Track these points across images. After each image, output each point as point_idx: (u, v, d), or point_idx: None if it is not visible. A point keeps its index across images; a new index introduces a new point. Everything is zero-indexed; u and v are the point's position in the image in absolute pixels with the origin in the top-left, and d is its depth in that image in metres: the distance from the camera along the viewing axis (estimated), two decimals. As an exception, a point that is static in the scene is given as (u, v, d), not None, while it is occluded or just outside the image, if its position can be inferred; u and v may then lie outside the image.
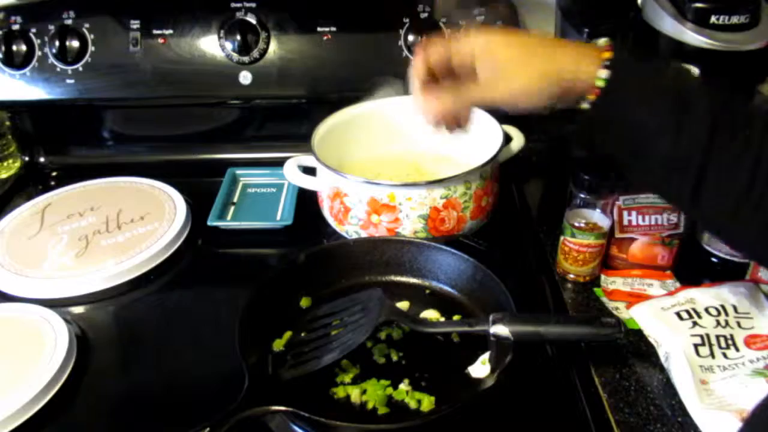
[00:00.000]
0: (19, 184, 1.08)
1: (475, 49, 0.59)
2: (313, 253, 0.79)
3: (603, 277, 0.78)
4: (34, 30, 1.00)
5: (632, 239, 0.76)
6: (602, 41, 0.56)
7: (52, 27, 0.99)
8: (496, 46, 0.58)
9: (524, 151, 0.91)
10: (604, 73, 0.53)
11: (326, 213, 0.88)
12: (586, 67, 0.54)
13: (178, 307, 0.83)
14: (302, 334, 0.71)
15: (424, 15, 0.99)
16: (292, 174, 0.88)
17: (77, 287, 0.82)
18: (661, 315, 0.68)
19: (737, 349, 0.64)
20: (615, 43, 0.55)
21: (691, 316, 0.67)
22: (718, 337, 0.65)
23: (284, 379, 0.65)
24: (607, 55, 0.54)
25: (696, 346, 0.64)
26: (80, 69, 1.00)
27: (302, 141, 0.90)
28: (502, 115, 0.92)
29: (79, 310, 0.80)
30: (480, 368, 0.68)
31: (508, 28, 0.63)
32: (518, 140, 0.90)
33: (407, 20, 0.99)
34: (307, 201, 0.93)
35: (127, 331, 0.79)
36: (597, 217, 0.74)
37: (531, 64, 0.56)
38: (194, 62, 1.00)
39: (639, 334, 0.69)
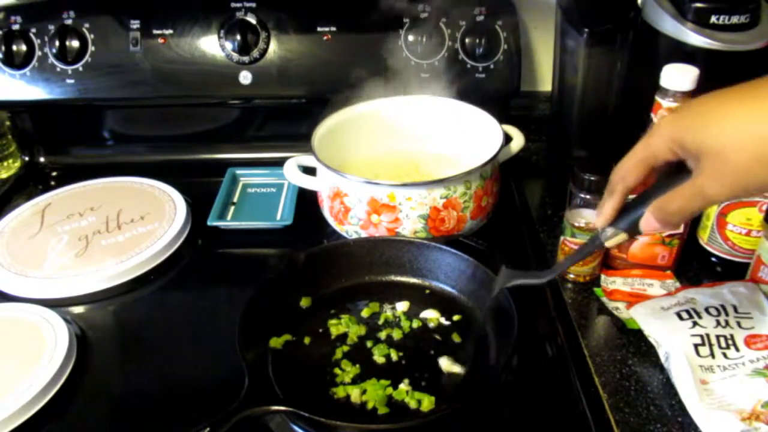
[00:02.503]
0: (19, 184, 1.08)
1: (678, 149, 0.48)
2: (313, 253, 0.79)
3: (603, 277, 0.78)
4: (34, 30, 1.00)
5: (632, 239, 0.76)
6: None
7: (52, 27, 0.99)
8: (703, 134, 0.46)
9: (524, 151, 0.91)
10: None
11: (326, 213, 0.88)
12: None
13: (178, 307, 0.83)
14: None
15: (424, 15, 0.99)
16: (292, 174, 0.88)
17: (77, 287, 0.82)
18: (661, 315, 0.68)
19: (737, 349, 0.64)
20: None
21: (691, 316, 0.67)
22: (718, 337, 0.65)
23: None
24: None
25: (696, 346, 0.64)
26: (80, 69, 1.00)
27: (302, 141, 0.90)
28: (502, 115, 0.92)
29: (79, 310, 0.80)
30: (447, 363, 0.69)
31: (700, 101, 0.48)
32: (518, 140, 0.90)
33: (407, 20, 0.99)
34: (307, 201, 0.93)
35: (127, 331, 0.79)
36: (597, 217, 0.74)
37: (756, 141, 0.43)
38: (194, 62, 1.00)
39: (639, 334, 0.69)
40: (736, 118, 0.45)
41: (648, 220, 0.53)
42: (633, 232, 0.56)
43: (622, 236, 0.57)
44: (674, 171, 0.51)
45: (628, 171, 0.53)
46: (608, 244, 0.58)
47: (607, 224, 0.57)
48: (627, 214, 0.55)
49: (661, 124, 0.50)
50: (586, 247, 0.62)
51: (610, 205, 0.56)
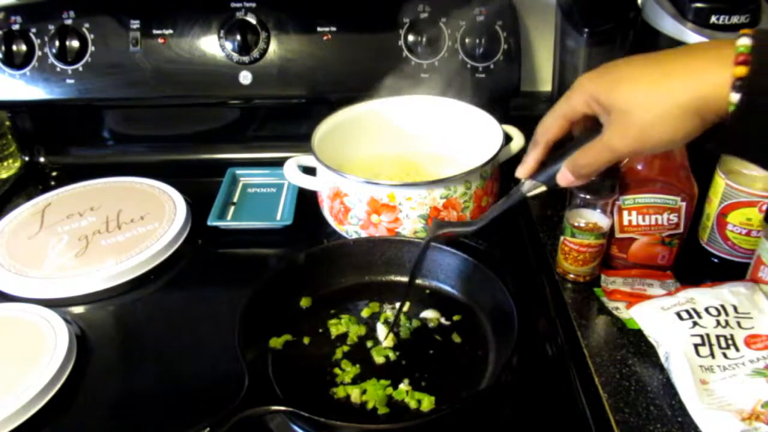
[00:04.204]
0: (19, 184, 1.08)
1: (593, 103, 0.53)
2: (313, 253, 0.79)
3: (603, 277, 0.78)
4: (34, 30, 1.00)
5: (632, 239, 0.76)
6: (741, 44, 0.45)
7: (52, 27, 0.99)
8: (613, 91, 0.51)
9: (524, 151, 0.91)
10: (735, 98, 0.45)
11: (326, 213, 0.88)
12: (719, 84, 0.45)
13: (178, 307, 0.83)
14: None
15: (424, 15, 0.99)
16: (292, 174, 0.88)
17: (77, 287, 0.82)
18: (661, 315, 0.68)
19: (737, 349, 0.64)
20: (755, 50, 0.44)
21: (691, 316, 0.67)
22: (718, 337, 0.65)
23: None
24: (741, 71, 0.44)
25: (696, 346, 0.64)
26: (80, 69, 1.00)
27: (302, 141, 0.90)
28: (502, 115, 0.92)
29: (79, 310, 0.80)
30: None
31: (617, 62, 0.53)
32: (518, 140, 0.90)
33: (407, 20, 0.99)
34: (307, 201, 0.93)
35: (127, 331, 0.79)
36: (597, 217, 0.74)
37: (659, 104, 0.48)
38: (194, 62, 1.00)
39: (639, 334, 0.69)
40: (642, 82, 0.49)
41: (563, 173, 0.57)
42: (551, 184, 0.59)
43: (542, 188, 0.60)
44: (592, 130, 0.54)
45: (549, 125, 0.57)
46: (529, 194, 0.61)
47: (529, 175, 0.60)
48: (546, 168, 0.59)
49: (580, 81, 0.54)
50: (511, 197, 0.64)
51: (532, 156, 0.60)
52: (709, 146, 0.50)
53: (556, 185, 0.59)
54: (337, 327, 0.74)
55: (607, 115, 0.52)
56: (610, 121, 0.52)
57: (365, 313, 0.76)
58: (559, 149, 0.59)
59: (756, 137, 0.47)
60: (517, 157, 0.91)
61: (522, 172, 0.61)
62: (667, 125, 0.48)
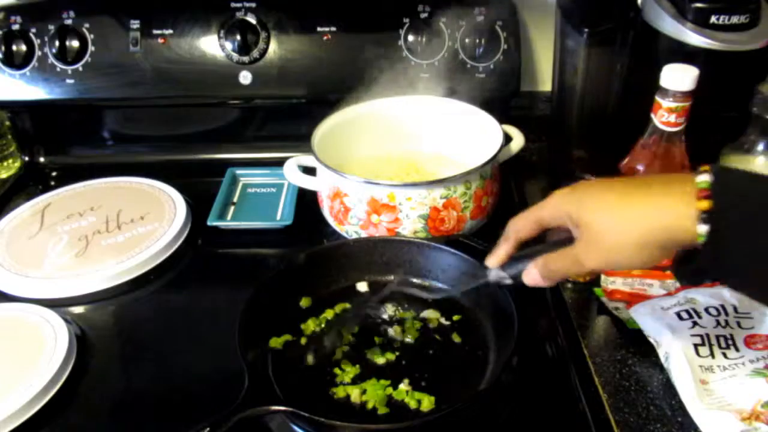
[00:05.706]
0: (19, 184, 1.08)
1: (565, 217, 0.55)
2: (313, 253, 0.79)
3: (603, 277, 0.78)
4: (34, 30, 1.00)
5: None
6: (702, 180, 0.48)
7: (52, 27, 0.99)
8: (583, 212, 0.54)
9: (524, 151, 0.91)
10: (703, 229, 0.47)
11: (326, 213, 0.88)
12: (683, 216, 0.48)
13: (178, 307, 0.83)
14: None
15: (424, 15, 0.99)
16: (292, 174, 0.88)
17: (77, 287, 0.82)
18: (661, 315, 0.68)
19: (737, 349, 0.64)
20: (715, 186, 0.47)
21: (691, 316, 0.67)
22: (718, 337, 0.65)
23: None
24: (705, 205, 0.47)
25: (696, 346, 0.64)
26: (80, 69, 1.00)
27: (302, 141, 0.90)
28: (502, 115, 0.92)
29: (79, 310, 0.80)
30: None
31: (590, 183, 0.56)
32: (518, 140, 0.90)
33: (407, 20, 0.99)
34: (307, 201, 0.93)
35: (127, 331, 0.79)
36: (597, 217, 0.74)
37: (624, 231, 0.51)
38: (194, 62, 1.00)
39: (639, 334, 0.69)
40: (608, 208, 0.52)
41: (531, 273, 0.60)
42: (518, 280, 0.62)
43: (508, 280, 0.64)
44: (565, 239, 0.57)
45: (522, 226, 0.61)
46: (494, 281, 0.65)
47: (499, 265, 0.64)
48: (515, 263, 0.62)
49: (554, 196, 0.57)
50: (477, 280, 0.68)
51: (503, 249, 0.63)
52: (684, 278, 0.53)
53: (520, 282, 0.61)
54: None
55: (577, 229, 0.55)
56: (579, 236, 0.55)
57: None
58: (531, 246, 0.62)
59: (729, 263, 0.49)
60: (518, 157, 0.91)
61: (492, 262, 0.64)
62: (629, 252, 0.51)
